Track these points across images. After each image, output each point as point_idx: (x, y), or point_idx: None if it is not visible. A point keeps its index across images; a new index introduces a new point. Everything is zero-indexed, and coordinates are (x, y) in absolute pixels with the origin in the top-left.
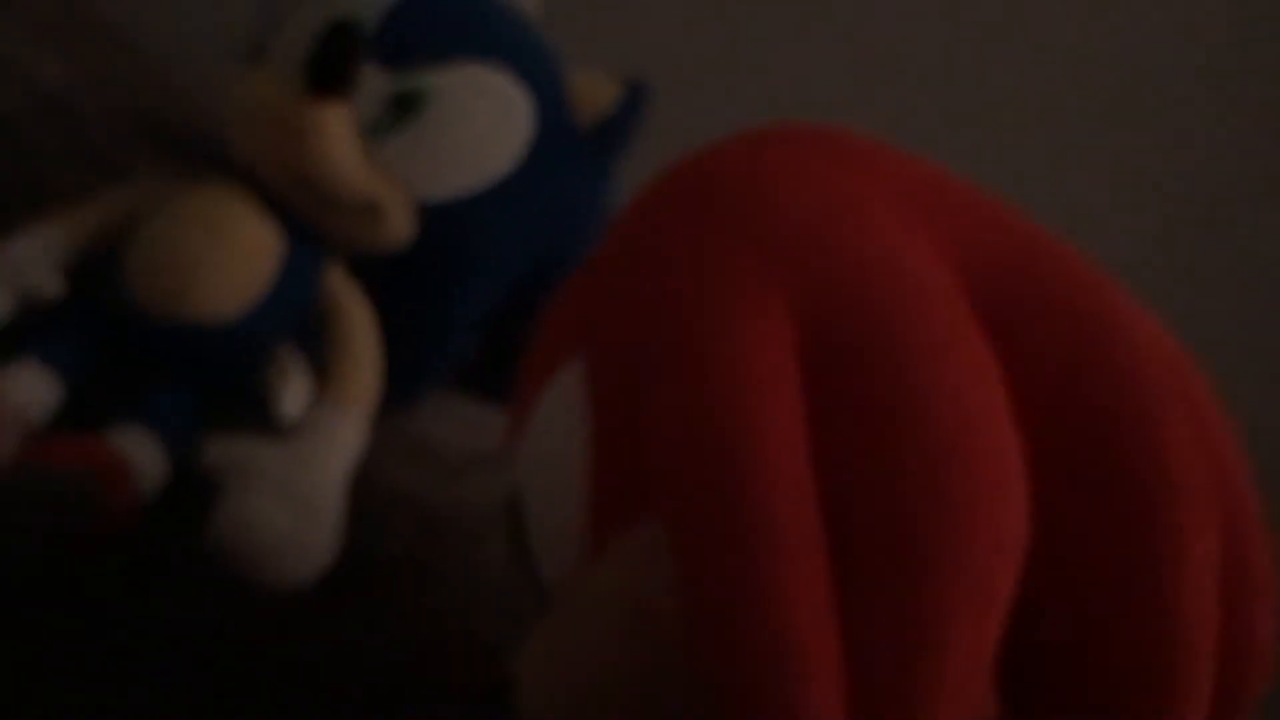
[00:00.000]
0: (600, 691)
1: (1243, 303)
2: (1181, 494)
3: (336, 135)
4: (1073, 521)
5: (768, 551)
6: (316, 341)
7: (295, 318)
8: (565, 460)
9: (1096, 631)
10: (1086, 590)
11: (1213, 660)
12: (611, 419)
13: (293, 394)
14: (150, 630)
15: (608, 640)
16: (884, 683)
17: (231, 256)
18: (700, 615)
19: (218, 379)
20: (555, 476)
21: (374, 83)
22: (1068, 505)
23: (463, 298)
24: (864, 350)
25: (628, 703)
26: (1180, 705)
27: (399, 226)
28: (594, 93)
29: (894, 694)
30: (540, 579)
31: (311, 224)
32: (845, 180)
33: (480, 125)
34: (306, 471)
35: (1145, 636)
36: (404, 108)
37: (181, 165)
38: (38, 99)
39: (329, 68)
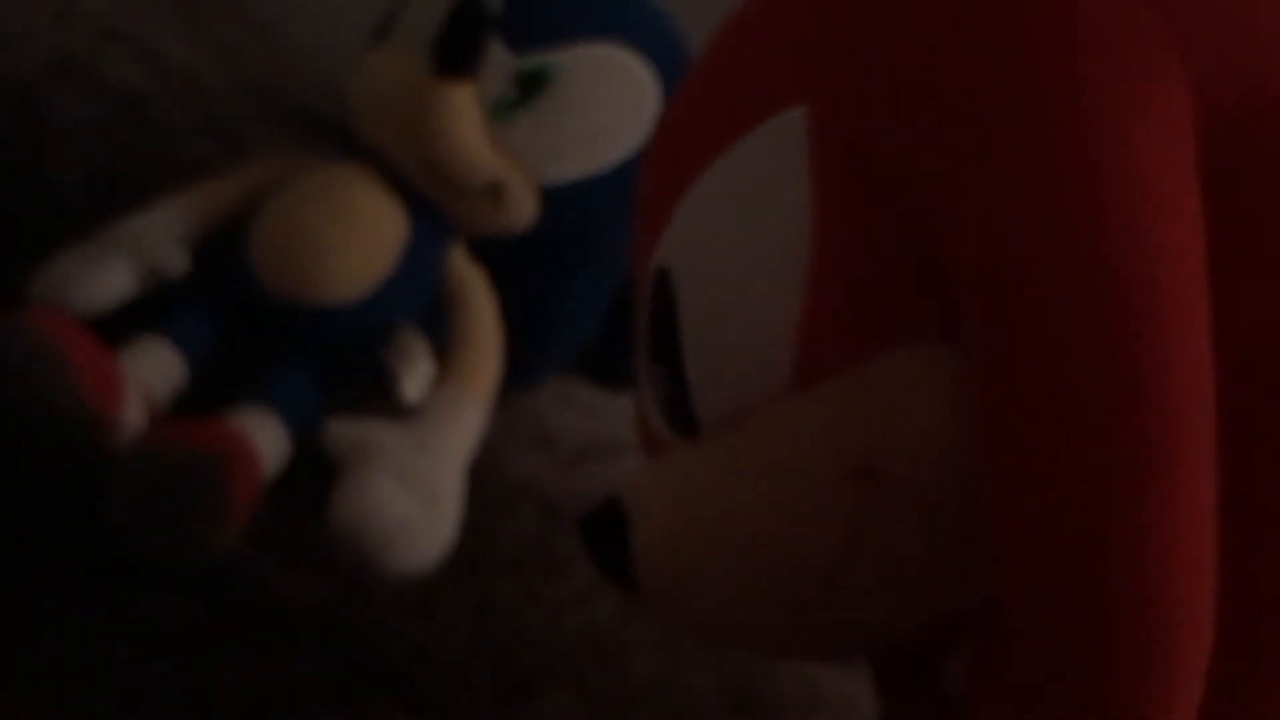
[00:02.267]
0: (760, 553)
1: None
2: None
3: (463, 116)
4: None
5: (1164, 452)
6: (440, 324)
7: (419, 300)
8: (763, 250)
9: None
10: None
11: None
12: (862, 196)
13: (415, 378)
14: (272, 611)
15: (798, 497)
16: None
17: (356, 237)
18: (1057, 515)
19: (340, 360)
20: (741, 272)
21: (500, 63)
22: None
23: (585, 282)
24: None
25: (786, 574)
26: None
27: (523, 209)
28: None
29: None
30: (688, 405)
31: (436, 206)
32: None
33: (605, 106)
34: (427, 456)
35: None
36: (529, 88)
37: (308, 145)
38: (168, 77)
39: (457, 48)
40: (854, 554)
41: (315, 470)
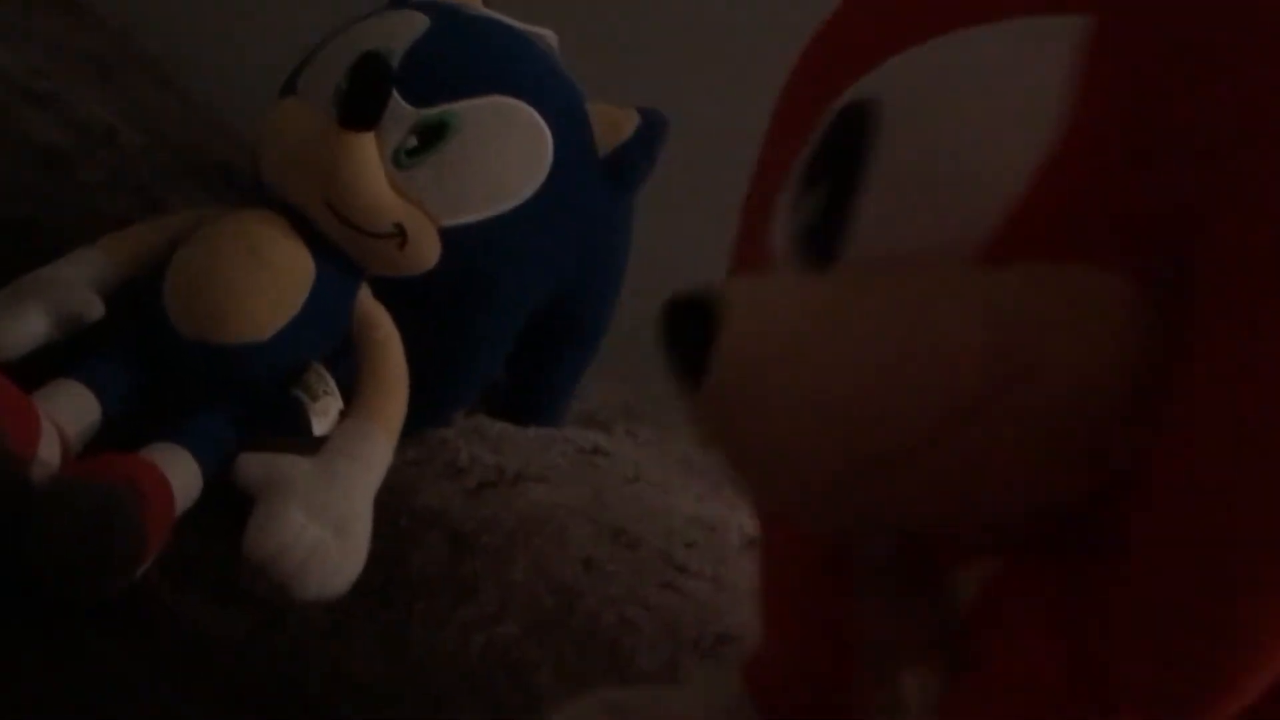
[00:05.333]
0: (861, 396)
1: None
2: None
3: (366, 163)
4: None
5: None
6: (347, 362)
7: (327, 339)
8: (1009, 123)
9: None
10: None
11: None
12: (1122, 123)
13: (323, 414)
14: (182, 637)
15: (930, 352)
16: None
17: (266, 280)
18: None
19: (252, 398)
20: (979, 133)
21: (401, 113)
22: None
23: (488, 320)
24: None
25: (880, 426)
26: None
27: (426, 250)
28: (613, 122)
29: None
30: (846, 225)
31: (342, 249)
32: None
33: (502, 153)
34: (336, 487)
35: None
36: (429, 136)
37: (224, 199)
38: (89, 133)
39: (359, 100)
40: (959, 429)
41: (229, 504)
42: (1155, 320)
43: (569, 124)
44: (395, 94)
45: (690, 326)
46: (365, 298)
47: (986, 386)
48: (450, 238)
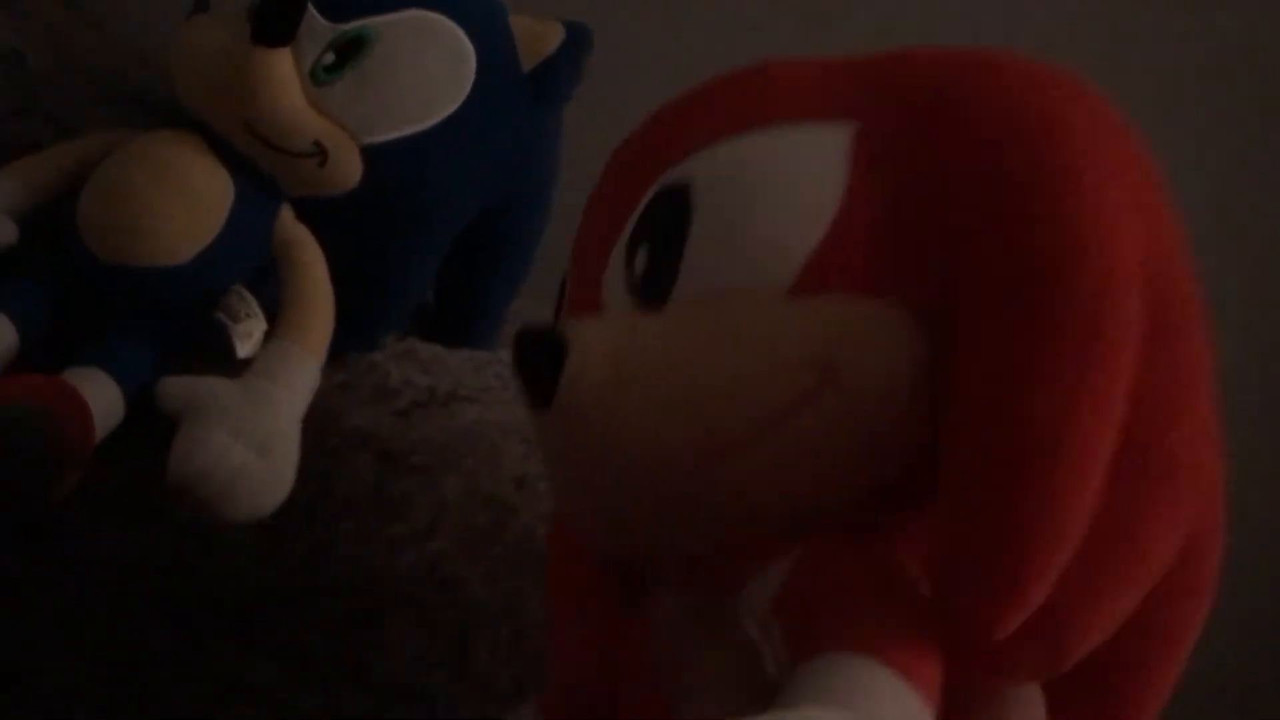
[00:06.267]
0: (698, 398)
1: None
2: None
3: (282, 80)
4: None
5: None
6: (270, 284)
7: (248, 261)
8: (798, 199)
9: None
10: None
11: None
12: (884, 199)
13: (246, 336)
14: (108, 564)
15: (754, 363)
16: None
17: (182, 201)
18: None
19: (173, 322)
20: (771, 205)
21: (317, 28)
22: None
23: (413, 239)
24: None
25: (715, 424)
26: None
27: (347, 169)
28: (537, 35)
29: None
30: (672, 276)
31: (261, 169)
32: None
33: (422, 67)
34: (261, 408)
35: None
36: (347, 52)
37: (137, 123)
38: None
39: (274, 14)
40: (784, 426)
41: (152, 427)
42: (933, 336)
43: (491, 37)
44: (310, 8)
45: (540, 356)
46: (287, 219)
47: (799, 391)
48: (372, 156)
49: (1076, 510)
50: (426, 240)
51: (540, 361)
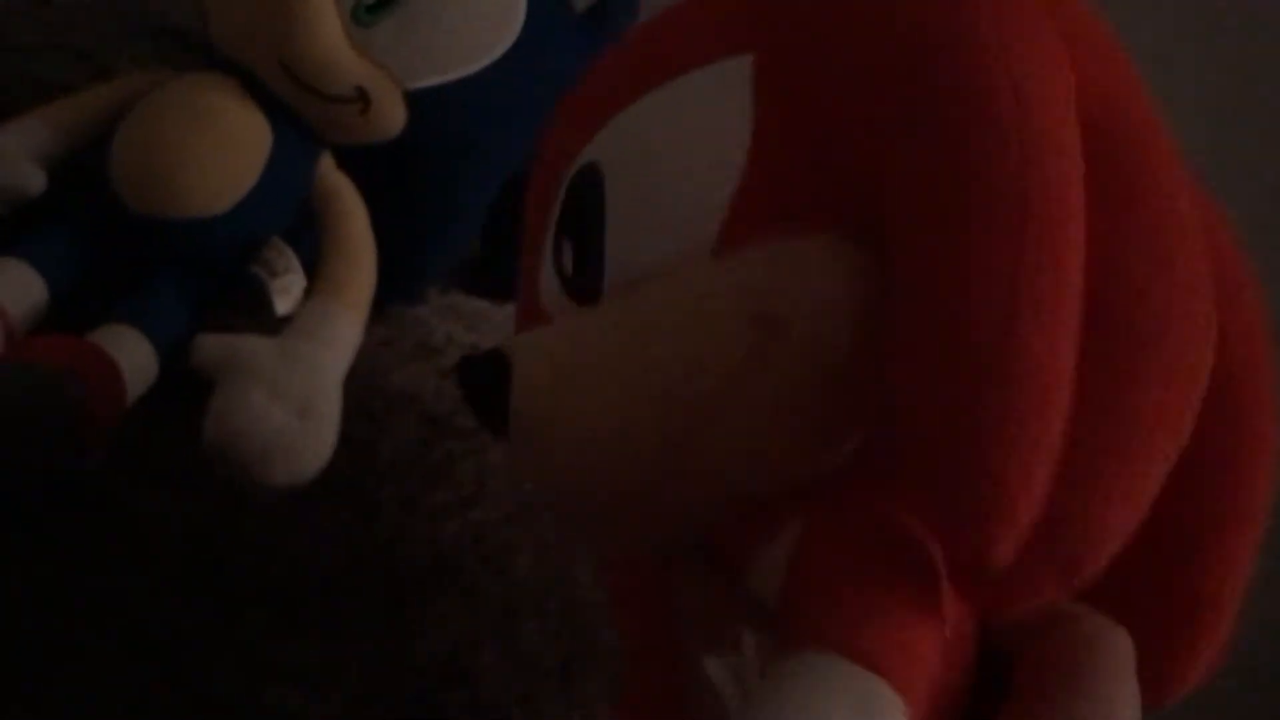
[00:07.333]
0: (643, 385)
1: None
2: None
3: (321, 18)
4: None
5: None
6: (310, 237)
7: (286, 212)
8: (703, 155)
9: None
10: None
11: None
12: (795, 131)
13: (285, 291)
14: (138, 534)
15: (692, 333)
16: None
17: (218, 148)
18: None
19: (208, 276)
20: (679, 165)
21: None
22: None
23: (459, 189)
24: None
25: (665, 407)
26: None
27: (391, 116)
28: None
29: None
30: (599, 267)
31: (301, 115)
32: None
33: (470, 7)
34: (301, 369)
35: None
36: None
37: (173, 60)
38: None
39: None
40: (738, 390)
41: (188, 388)
42: (870, 265)
43: None
44: None
45: (485, 381)
46: (327, 168)
47: (744, 352)
48: (417, 102)
49: (1043, 410)
50: (473, 189)
51: (487, 387)
